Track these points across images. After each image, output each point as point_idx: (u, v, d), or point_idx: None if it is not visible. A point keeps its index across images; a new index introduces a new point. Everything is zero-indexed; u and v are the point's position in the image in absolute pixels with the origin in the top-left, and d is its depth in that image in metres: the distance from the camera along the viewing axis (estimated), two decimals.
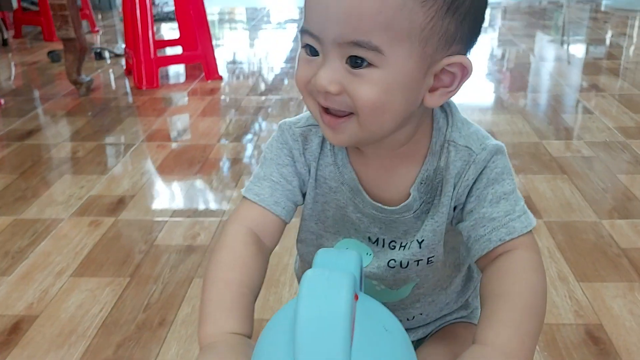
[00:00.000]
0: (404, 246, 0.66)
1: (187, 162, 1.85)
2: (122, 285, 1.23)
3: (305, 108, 0.62)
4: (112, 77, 2.95)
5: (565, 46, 3.50)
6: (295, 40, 3.73)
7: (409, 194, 0.63)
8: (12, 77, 3.01)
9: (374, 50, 0.51)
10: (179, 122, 2.29)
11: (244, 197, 0.65)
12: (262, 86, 2.76)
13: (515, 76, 2.83)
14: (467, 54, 0.57)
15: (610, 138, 1.96)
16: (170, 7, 4.15)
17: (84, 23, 3.89)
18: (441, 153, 0.62)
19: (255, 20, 4.35)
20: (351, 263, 0.48)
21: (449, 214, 0.63)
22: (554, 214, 1.46)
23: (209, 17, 2.87)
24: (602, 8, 4.49)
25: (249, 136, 2.10)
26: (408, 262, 0.67)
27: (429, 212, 0.64)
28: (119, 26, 4.05)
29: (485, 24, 3.52)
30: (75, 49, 2.47)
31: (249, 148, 1.99)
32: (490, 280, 0.58)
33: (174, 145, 2.02)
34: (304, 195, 0.68)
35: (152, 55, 2.64)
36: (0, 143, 2.03)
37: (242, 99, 2.51)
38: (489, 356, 0.50)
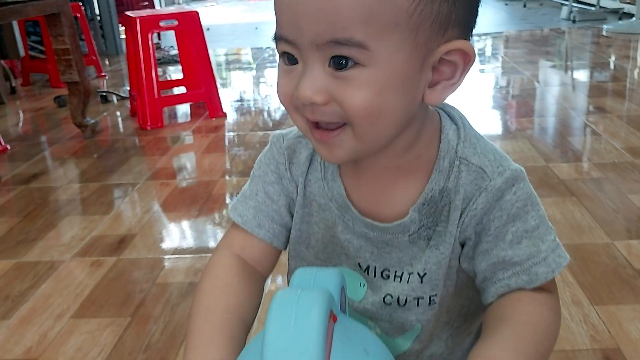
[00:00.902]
0: (400, 277, 0.58)
1: (190, 199, 1.84)
2: (122, 325, 1.20)
3: None
4: (118, 119, 2.98)
5: (569, 72, 3.49)
6: None
7: (407, 214, 0.55)
8: (20, 123, 3.04)
9: (358, 46, 0.44)
10: (183, 159, 2.29)
11: (230, 217, 0.62)
12: (267, 122, 2.77)
13: (520, 103, 2.82)
14: (468, 39, 0.50)
15: (619, 159, 1.92)
16: (175, 50, 4.22)
17: (91, 69, 3.96)
18: (450, 172, 0.54)
19: (260, 59, 4.40)
20: (330, 281, 0.44)
21: (454, 247, 0.55)
22: (564, 237, 1.42)
23: (215, 58, 2.91)
24: (604, 33, 4.50)
25: None
26: (406, 299, 0.58)
27: (430, 240, 0.56)
28: (125, 70, 4.11)
29: (488, 51, 3.50)
30: (80, 92, 2.49)
31: None
32: (499, 305, 0.53)
33: (177, 182, 2.01)
34: (292, 216, 0.62)
35: (155, 96, 2.66)
36: (5, 187, 2.03)
37: (245, 134, 2.51)
38: None
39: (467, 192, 0.53)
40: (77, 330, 1.20)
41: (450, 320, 0.62)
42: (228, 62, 4.48)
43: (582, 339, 1.06)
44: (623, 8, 5.20)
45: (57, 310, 1.27)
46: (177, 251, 1.51)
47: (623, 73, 3.30)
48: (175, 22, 2.73)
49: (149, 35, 2.64)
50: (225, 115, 2.81)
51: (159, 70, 2.93)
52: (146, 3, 6.17)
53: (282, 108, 3.02)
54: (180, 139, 2.52)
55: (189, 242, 1.57)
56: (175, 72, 3.91)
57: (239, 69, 4.20)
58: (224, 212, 1.74)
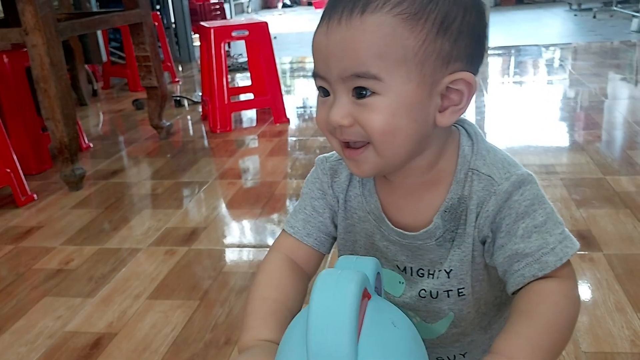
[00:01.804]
0: (432, 274, 0.67)
1: (254, 198, 1.97)
2: (192, 307, 1.33)
3: None
4: (189, 122, 3.17)
5: (639, 85, 3.42)
6: None
7: (432, 221, 0.64)
8: (100, 124, 3.29)
9: (374, 78, 0.55)
10: (249, 161, 2.43)
11: (283, 229, 0.73)
12: None
13: (584, 115, 2.81)
14: (473, 70, 0.58)
15: None
16: (244, 58, 4.40)
17: (166, 74, 4.19)
18: (465, 181, 0.63)
19: None
20: (367, 266, 0.53)
21: (474, 245, 0.63)
22: (614, 247, 1.45)
23: (281, 66, 3.05)
24: None
25: None
26: (438, 293, 0.67)
27: (454, 241, 0.64)
28: (197, 77, 4.33)
29: (555, 64, 3.47)
30: (157, 97, 2.68)
31: None
32: (517, 301, 0.60)
33: (242, 182, 2.15)
34: (336, 226, 0.72)
35: (225, 102, 2.83)
36: (88, 182, 2.22)
37: (307, 140, 2.63)
38: None
39: (480, 197, 0.62)
40: (152, 310, 1.34)
41: (487, 310, 0.71)
42: (293, 70, 4.63)
43: (622, 342, 1.10)
44: None
45: (135, 292, 1.42)
46: (240, 245, 1.64)
47: None
48: (246, 33, 2.89)
49: (222, 45, 2.81)
50: (288, 121, 2.94)
51: (228, 77, 3.10)
52: (218, 12, 6.43)
53: None
54: (246, 143, 2.67)
55: (252, 237, 1.69)
56: (242, 79, 4.09)
57: (303, 76, 4.33)
58: (284, 211, 1.86)
